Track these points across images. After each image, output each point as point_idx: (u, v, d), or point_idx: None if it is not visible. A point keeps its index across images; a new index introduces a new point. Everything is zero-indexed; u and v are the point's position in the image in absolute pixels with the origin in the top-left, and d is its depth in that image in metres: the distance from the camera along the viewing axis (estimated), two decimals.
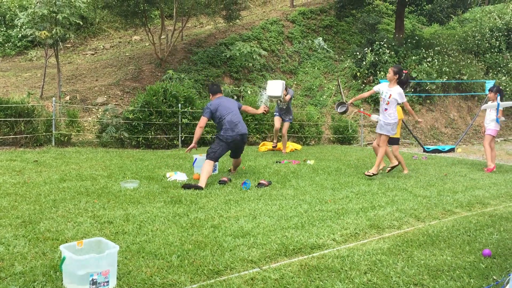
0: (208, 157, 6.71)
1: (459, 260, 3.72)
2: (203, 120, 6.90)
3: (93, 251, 3.16)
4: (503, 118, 9.02)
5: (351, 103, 7.86)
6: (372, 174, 7.23)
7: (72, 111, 10.86)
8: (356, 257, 3.70)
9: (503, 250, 3.98)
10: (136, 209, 4.87)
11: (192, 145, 6.99)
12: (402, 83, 7.41)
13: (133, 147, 10.80)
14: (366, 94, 7.99)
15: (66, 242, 3.70)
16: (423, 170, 8.51)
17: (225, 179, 6.56)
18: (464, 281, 3.31)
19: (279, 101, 10.14)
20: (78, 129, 10.81)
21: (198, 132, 6.92)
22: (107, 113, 10.94)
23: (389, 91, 7.32)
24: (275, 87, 9.84)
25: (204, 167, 6.49)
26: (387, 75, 7.55)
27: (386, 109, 7.35)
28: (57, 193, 5.44)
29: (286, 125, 10.28)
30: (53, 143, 10.10)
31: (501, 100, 8.90)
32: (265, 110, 7.65)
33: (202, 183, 6.20)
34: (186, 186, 6.10)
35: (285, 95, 9.90)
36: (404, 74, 7.37)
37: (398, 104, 7.35)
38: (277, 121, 10.32)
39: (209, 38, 18.30)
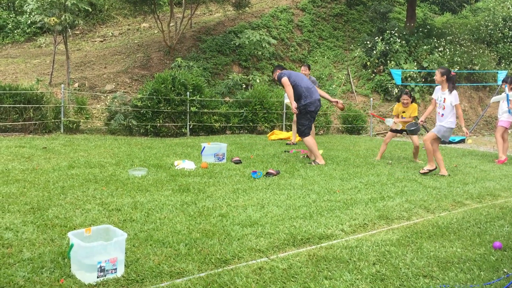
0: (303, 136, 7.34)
1: (469, 252, 3.68)
2: (285, 81, 7.26)
3: (101, 238, 3.16)
4: None
5: (422, 121, 7.77)
6: (428, 171, 7.01)
7: (81, 98, 10.87)
8: (365, 248, 3.66)
9: None
10: (144, 197, 4.87)
11: (293, 104, 7.25)
12: (453, 84, 7.12)
13: (141, 134, 10.81)
14: (430, 107, 7.58)
15: (74, 229, 3.70)
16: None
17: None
18: (474, 274, 3.27)
19: None
20: (87, 116, 10.84)
21: (289, 92, 7.26)
22: (115, 101, 10.94)
23: (443, 95, 7.10)
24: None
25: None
26: (434, 78, 7.28)
27: (442, 115, 7.06)
28: (65, 180, 5.45)
29: None
30: (62, 130, 10.14)
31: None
32: (340, 105, 7.75)
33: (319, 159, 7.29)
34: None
35: None
36: (452, 75, 7.09)
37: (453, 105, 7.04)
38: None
39: (218, 26, 18.20)
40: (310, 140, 7.37)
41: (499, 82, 12.33)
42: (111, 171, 6.13)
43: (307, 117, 7.37)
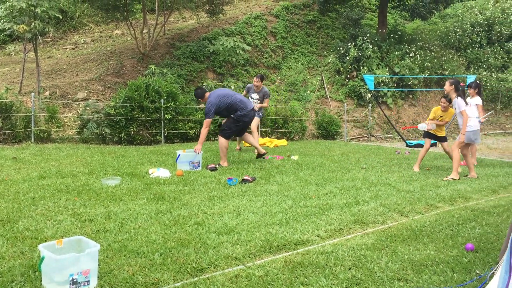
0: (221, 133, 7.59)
1: (442, 255, 3.74)
2: (208, 122, 7.40)
3: (73, 250, 3.09)
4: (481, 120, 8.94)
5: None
6: (451, 179, 7.17)
7: (52, 107, 10.67)
8: (341, 253, 3.68)
9: (485, 244, 4.01)
10: (118, 206, 4.79)
11: (198, 146, 7.29)
12: (462, 94, 7.43)
13: (115, 143, 10.66)
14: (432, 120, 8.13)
15: (46, 241, 3.62)
16: (406, 165, 8.56)
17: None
18: (448, 276, 3.32)
19: (250, 97, 9.53)
20: (58, 125, 10.63)
21: (204, 134, 7.41)
22: (88, 109, 10.77)
23: (453, 104, 7.43)
24: None
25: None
26: (444, 88, 7.55)
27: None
28: (36, 191, 5.32)
29: (257, 120, 9.62)
30: (32, 140, 9.92)
31: (480, 94, 8.91)
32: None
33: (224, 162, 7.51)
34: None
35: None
36: (461, 86, 7.39)
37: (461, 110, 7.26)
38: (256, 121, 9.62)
39: (192, 32, 18.15)
40: (224, 142, 7.60)
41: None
42: (83, 180, 6.02)
43: (238, 125, 7.65)
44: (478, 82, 9.19)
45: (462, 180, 7.18)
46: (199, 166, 7.31)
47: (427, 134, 8.32)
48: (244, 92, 9.64)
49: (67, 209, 4.62)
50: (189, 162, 7.21)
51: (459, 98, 7.29)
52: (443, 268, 3.46)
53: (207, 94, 7.66)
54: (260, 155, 8.28)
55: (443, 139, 8.33)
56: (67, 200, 4.97)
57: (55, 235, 3.79)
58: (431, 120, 8.26)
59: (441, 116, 8.17)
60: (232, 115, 7.63)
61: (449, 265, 3.52)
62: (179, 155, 7.20)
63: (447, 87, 7.37)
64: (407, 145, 13.13)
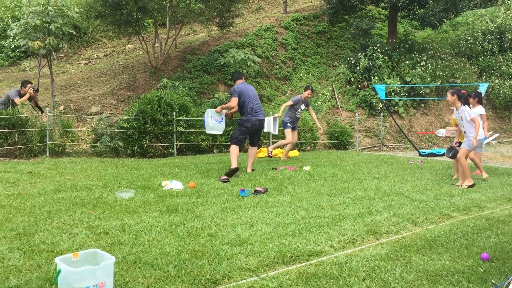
0: (231, 142, 8.03)
1: (458, 265, 3.71)
2: (233, 100, 8.01)
3: (89, 263, 3.12)
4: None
5: (456, 143, 8.00)
6: (466, 186, 7.25)
7: (66, 121, 10.80)
8: (354, 264, 3.67)
9: (501, 254, 3.97)
10: (132, 219, 4.84)
11: (220, 107, 8.30)
12: (465, 101, 7.48)
13: (128, 156, 10.76)
14: (458, 128, 8.01)
15: (62, 254, 3.66)
16: (419, 174, 8.51)
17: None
18: (463, 286, 3.30)
19: (299, 109, 10.17)
20: (73, 139, 10.76)
21: (227, 104, 8.24)
22: (101, 123, 10.89)
23: (459, 113, 7.43)
24: (268, 126, 9.97)
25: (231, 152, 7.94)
26: (447, 99, 7.58)
27: (465, 132, 7.45)
28: (52, 204, 5.39)
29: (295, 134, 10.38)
30: (48, 154, 10.05)
31: (481, 103, 8.73)
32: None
33: (233, 164, 7.71)
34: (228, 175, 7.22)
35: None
36: (462, 94, 7.44)
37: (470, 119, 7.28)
38: (288, 134, 10.09)
39: (203, 45, 18.31)
40: (234, 148, 7.97)
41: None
42: (98, 193, 6.09)
43: (241, 129, 8.07)
44: (478, 91, 9.13)
45: (476, 189, 7.12)
46: (222, 120, 8.30)
47: (459, 144, 8.13)
48: (290, 103, 10.12)
49: (82, 222, 4.67)
50: (211, 116, 8.22)
51: (466, 106, 7.28)
52: (458, 278, 3.44)
53: (239, 81, 8.22)
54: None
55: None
56: (82, 213, 5.03)
57: (71, 248, 3.84)
58: (454, 127, 8.23)
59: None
60: (240, 118, 8.18)
61: (464, 275, 3.49)
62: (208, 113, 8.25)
63: (449, 97, 7.42)
64: (420, 154, 13.05)
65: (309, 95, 10.21)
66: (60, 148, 10.26)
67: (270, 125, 10.02)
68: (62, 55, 19.49)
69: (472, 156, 8.01)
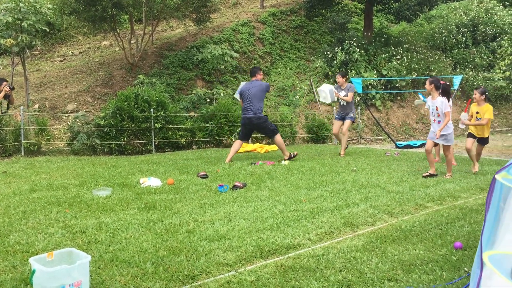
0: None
1: (432, 254, 3.79)
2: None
3: (64, 262, 3.10)
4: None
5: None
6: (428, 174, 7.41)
7: (42, 120, 10.64)
8: (331, 256, 3.72)
9: (474, 242, 4.06)
10: (109, 217, 4.80)
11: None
12: (445, 93, 7.46)
13: (105, 154, 10.65)
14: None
15: (37, 254, 3.62)
16: (396, 166, 8.64)
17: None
18: (437, 274, 3.37)
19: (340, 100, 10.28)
20: (48, 137, 10.60)
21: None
22: (77, 120, 10.76)
23: (434, 103, 7.41)
24: (324, 95, 10.34)
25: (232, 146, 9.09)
26: (425, 87, 7.55)
27: (439, 122, 7.42)
28: (27, 204, 5.32)
29: (338, 124, 10.42)
30: (23, 153, 9.88)
31: (447, 96, 8.95)
32: None
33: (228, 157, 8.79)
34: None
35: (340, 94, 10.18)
36: (441, 84, 7.41)
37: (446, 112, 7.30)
38: (335, 124, 10.47)
39: (180, 41, 18.19)
40: (235, 143, 9.21)
41: (455, 87, 12.75)
42: (74, 192, 6.02)
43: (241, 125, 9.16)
44: (448, 83, 9.34)
45: (451, 179, 7.26)
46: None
47: (470, 135, 8.25)
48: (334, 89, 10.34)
49: (58, 221, 4.62)
50: None
51: (444, 98, 7.37)
52: (432, 267, 3.51)
53: (253, 78, 9.04)
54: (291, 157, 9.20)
55: (482, 141, 8.23)
56: (58, 212, 4.97)
57: (46, 248, 3.80)
58: (470, 117, 8.08)
59: (477, 113, 7.94)
60: None
61: (438, 264, 3.57)
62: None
63: (427, 86, 7.42)
64: (396, 147, 13.22)
65: (338, 80, 10.23)
66: (36, 147, 10.10)
67: (327, 94, 10.28)
68: (36, 52, 19.14)
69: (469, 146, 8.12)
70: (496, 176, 2.03)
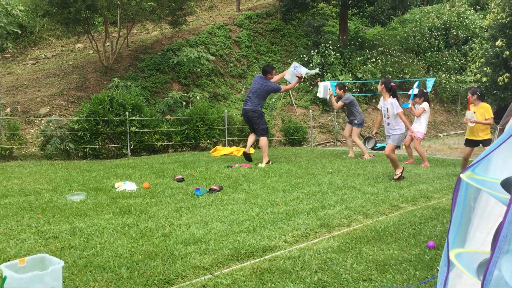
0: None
1: (405, 254, 3.85)
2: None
3: (36, 268, 3.04)
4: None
5: (376, 133, 8.47)
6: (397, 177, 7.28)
7: (13, 124, 10.43)
8: (307, 257, 3.74)
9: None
10: (83, 222, 4.73)
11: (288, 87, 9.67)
12: (395, 94, 7.35)
13: (79, 158, 10.49)
14: (379, 117, 8.06)
15: (8, 260, 3.54)
16: (371, 168, 8.74)
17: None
18: (410, 274, 3.42)
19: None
20: (20, 142, 10.40)
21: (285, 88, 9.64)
22: (51, 124, 10.58)
23: (385, 104, 7.40)
24: (320, 90, 10.72)
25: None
26: (378, 87, 7.53)
27: (388, 123, 7.41)
28: None
29: (349, 128, 10.69)
30: None
31: (427, 101, 9.36)
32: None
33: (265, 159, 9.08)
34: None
35: (333, 97, 10.56)
36: (392, 86, 7.31)
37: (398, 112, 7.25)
38: (346, 128, 10.82)
39: (156, 44, 18.08)
40: (250, 137, 9.35)
41: (428, 89, 12.99)
42: (47, 197, 5.91)
43: None
44: (425, 91, 9.73)
45: (424, 180, 7.38)
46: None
47: (469, 142, 8.11)
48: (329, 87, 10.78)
49: (31, 227, 4.53)
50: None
51: (394, 99, 7.27)
52: (406, 266, 3.57)
53: (266, 76, 9.12)
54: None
55: (484, 143, 7.93)
56: (31, 218, 4.87)
57: (18, 254, 3.72)
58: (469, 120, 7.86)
59: (474, 112, 7.80)
60: None
61: (411, 263, 3.62)
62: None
63: (379, 86, 7.37)
64: (371, 149, 13.38)
65: (338, 93, 10.61)
66: (7, 151, 9.89)
67: (321, 89, 10.65)
68: (8, 55, 18.75)
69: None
70: (461, 176, 2.08)
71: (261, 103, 9.06)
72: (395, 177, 7.30)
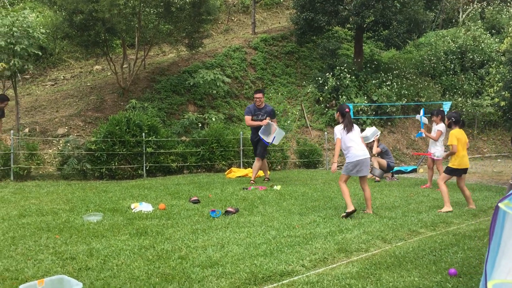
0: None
1: (426, 281, 3.77)
2: None
3: None
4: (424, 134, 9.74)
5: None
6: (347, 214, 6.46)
7: (32, 144, 10.56)
8: (326, 282, 3.68)
9: (468, 269, 4.05)
10: (100, 243, 4.73)
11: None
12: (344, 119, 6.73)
13: (96, 178, 10.56)
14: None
15: (26, 281, 3.54)
16: (388, 192, 8.65)
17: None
18: None
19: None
20: (38, 162, 10.50)
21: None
22: (68, 145, 10.69)
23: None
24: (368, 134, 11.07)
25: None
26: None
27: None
28: (16, 230, 5.23)
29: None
30: (12, 178, 9.77)
31: (443, 121, 9.24)
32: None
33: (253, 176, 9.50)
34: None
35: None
36: (346, 112, 6.71)
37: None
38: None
39: (172, 66, 18.30)
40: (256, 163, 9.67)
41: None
42: (64, 218, 5.94)
43: None
44: (441, 109, 9.66)
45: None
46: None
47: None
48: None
49: (48, 247, 4.54)
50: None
51: (338, 126, 6.71)
52: None
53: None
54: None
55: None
56: (48, 238, 4.89)
57: (36, 275, 3.72)
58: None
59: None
60: None
61: None
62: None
63: (336, 114, 6.90)
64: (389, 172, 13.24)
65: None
66: (25, 171, 10.00)
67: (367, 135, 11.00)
68: (28, 76, 19.12)
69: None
70: (500, 205, 2.04)
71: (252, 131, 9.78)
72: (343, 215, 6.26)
